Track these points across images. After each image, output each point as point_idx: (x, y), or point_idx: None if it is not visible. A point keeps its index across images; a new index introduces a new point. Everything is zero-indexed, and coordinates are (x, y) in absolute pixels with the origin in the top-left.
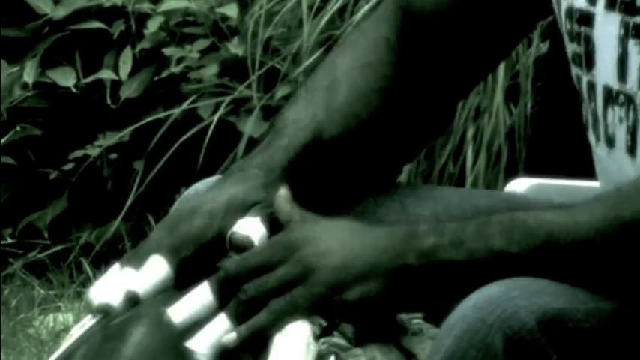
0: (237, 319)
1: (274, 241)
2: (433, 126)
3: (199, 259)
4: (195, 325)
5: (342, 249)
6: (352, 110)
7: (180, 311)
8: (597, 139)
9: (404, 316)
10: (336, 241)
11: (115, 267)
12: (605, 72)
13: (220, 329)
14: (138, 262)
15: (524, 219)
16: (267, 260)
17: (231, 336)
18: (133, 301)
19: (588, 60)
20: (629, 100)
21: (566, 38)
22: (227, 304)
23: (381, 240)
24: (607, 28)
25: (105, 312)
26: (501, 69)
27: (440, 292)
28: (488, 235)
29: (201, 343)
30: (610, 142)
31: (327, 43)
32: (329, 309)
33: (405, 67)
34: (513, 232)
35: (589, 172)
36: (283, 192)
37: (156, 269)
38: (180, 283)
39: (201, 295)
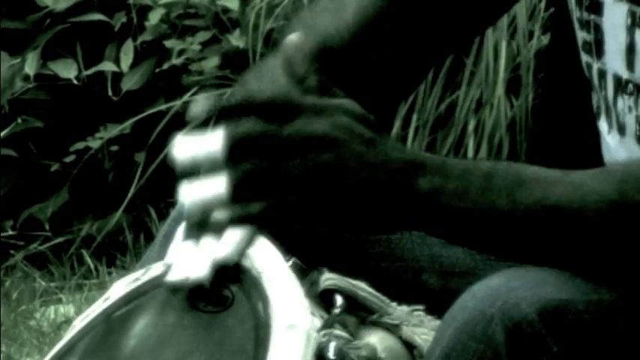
0: (234, 191)
1: (297, 128)
2: (435, 56)
3: None
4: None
5: (360, 167)
6: (360, 31)
7: (185, 146)
8: (610, 126)
9: (405, 308)
10: (355, 157)
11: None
12: (614, 61)
13: (215, 191)
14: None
15: (531, 187)
16: (287, 140)
17: (222, 214)
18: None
19: (598, 48)
20: (638, 89)
21: (576, 25)
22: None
23: (394, 167)
24: (615, 16)
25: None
26: (502, 61)
27: (441, 232)
28: (493, 192)
29: (191, 195)
30: (621, 130)
31: None
32: (323, 222)
33: None
34: (519, 197)
35: (591, 164)
36: (295, 37)
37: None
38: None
39: (211, 142)
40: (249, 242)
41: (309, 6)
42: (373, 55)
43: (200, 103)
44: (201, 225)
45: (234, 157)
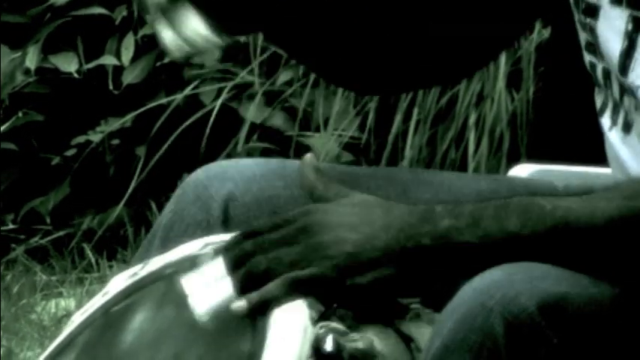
0: (243, 289)
1: (291, 224)
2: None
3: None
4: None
5: (357, 233)
6: None
7: (205, 307)
8: (613, 123)
9: (402, 301)
10: (349, 229)
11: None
12: (611, 63)
13: (224, 294)
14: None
15: (540, 204)
16: (280, 239)
17: (241, 304)
18: None
19: (598, 49)
20: (633, 93)
21: (578, 26)
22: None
23: (396, 221)
24: (612, 21)
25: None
26: (503, 55)
27: (453, 274)
28: (505, 218)
29: (202, 304)
30: (627, 127)
31: None
32: (338, 292)
33: None
34: (529, 216)
35: (591, 158)
36: (310, 157)
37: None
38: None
39: (215, 269)
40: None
41: None
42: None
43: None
44: None
45: (234, 268)
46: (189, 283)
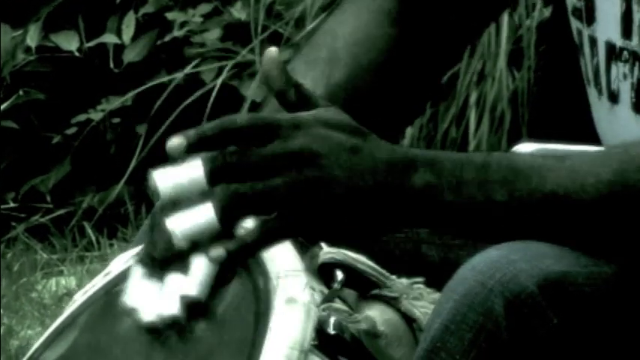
0: (225, 217)
1: (280, 146)
2: (429, 93)
3: None
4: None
5: (343, 177)
6: (352, 86)
7: (166, 177)
8: (599, 93)
9: (404, 281)
10: (338, 167)
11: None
12: (607, 28)
13: (203, 218)
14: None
15: (527, 175)
16: (269, 161)
17: (219, 250)
18: (191, 306)
19: (589, 15)
20: (635, 56)
21: None
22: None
23: (383, 166)
24: None
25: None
26: (504, 34)
27: (436, 227)
28: (488, 183)
29: (179, 224)
30: (614, 97)
31: (330, 7)
32: (322, 234)
33: (405, 40)
34: (515, 187)
35: (593, 137)
36: (273, 51)
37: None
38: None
39: (192, 170)
40: (214, 277)
41: (301, 54)
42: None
43: (177, 138)
44: (165, 261)
45: (217, 181)
46: (162, 183)
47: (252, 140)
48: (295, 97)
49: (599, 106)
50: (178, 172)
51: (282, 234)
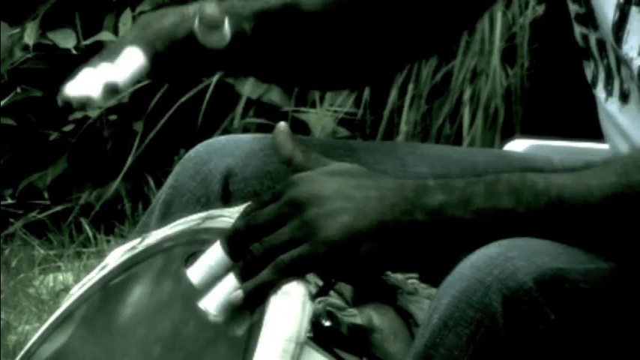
0: (244, 278)
1: (281, 198)
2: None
3: (171, 56)
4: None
5: (348, 207)
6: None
7: (197, 271)
8: (609, 94)
9: (399, 277)
10: (341, 199)
11: (87, 69)
12: (607, 34)
13: (229, 288)
14: (112, 56)
15: (534, 180)
16: (273, 218)
17: (238, 294)
18: (112, 92)
19: (593, 20)
20: (627, 64)
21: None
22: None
23: (389, 196)
24: None
25: (84, 105)
26: (498, 31)
27: (446, 248)
28: (497, 195)
29: (212, 302)
30: (624, 97)
31: None
32: (333, 268)
33: None
34: (522, 193)
35: (586, 132)
36: (283, 125)
37: (132, 59)
38: (154, 75)
39: (215, 253)
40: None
41: None
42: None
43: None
44: None
45: (236, 255)
46: (194, 276)
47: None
48: (303, 160)
49: (609, 106)
50: (204, 259)
51: (296, 272)
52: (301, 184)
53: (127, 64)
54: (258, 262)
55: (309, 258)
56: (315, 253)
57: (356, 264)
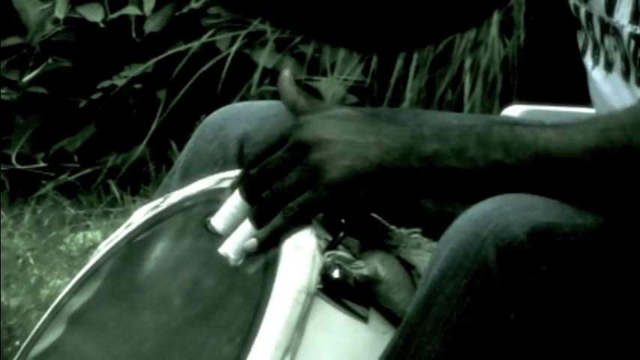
0: (258, 223)
1: (288, 143)
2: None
3: None
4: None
5: (350, 151)
6: None
7: (220, 219)
8: (595, 63)
9: (403, 231)
10: (343, 143)
11: None
12: (598, 4)
13: (246, 233)
14: None
15: (522, 133)
16: (281, 162)
17: (252, 241)
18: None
19: None
20: (617, 32)
21: None
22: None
23: (387, 142)
24: None
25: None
26: None
27: (441, 196)
28: (489, 146)
29: (230, 247)
30: (609, 66)
31: None
32: (335, 209)
33: None
34: (511, 145)
35: (578, 98)
36: (287, 73)
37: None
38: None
39: (235, 200)
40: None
41: None
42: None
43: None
44: None
45: (252, 200)
46: (218, 224)
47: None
48: (307, 105)
49: (594, 74)
50: (225, 208)
51: (305, 215)
52: (306, 127)
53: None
54: (270, 207)
55: (314, 201)
56: (319, 197)
57: (355, 206)
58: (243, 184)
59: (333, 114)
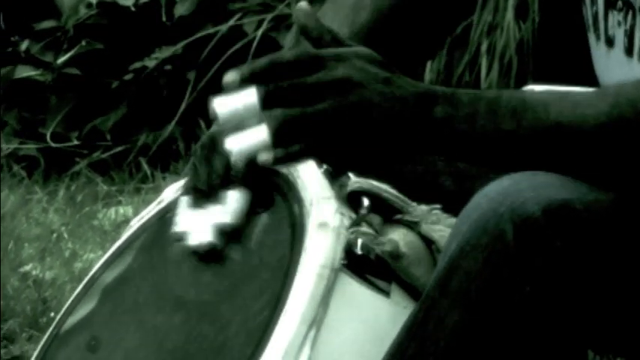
0: (277, 141)
1: (320, 75)
2: (444, 33)
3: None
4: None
5: (381, 99)
6: (374, 28)
7: (224, 106)
8: (597, 38)
9: (423, 208)
10: (375, 91)
11: (192, 210)
12: None
13: (259, 139)
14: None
15: (533, 106)
16: (314, 89)
17: (268, 155)
18: (224, 232)
19: None
20: (629, 5)
21: None
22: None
23: (409, 94)
24: None
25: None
26: None
27: (455, 158)
28: (498, 115)
29: (237, 145)
30: (610, 42)
31: None
32: (347, 136)
33: None
34: (523, 116)
35: (589, 80)
36: (303, 4)
37: (237, 199)
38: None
39: (248, 98)
40: (247, 206)
41: (329, 1)
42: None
43: (233, 72)
44: (206, 192)
45: (269, 106)
46: (220, 108)
47: (299, 72)
48: (330, 41)
49: (597, 50)
50: (235, 99)
51: (322, 152)
52: (342, 67)
53: (234, 205)
54: (294, 128)
55: (335, 138)
56: (338, 109)
57: (373, 154)
58: (266, 92)
59: (364, 55)
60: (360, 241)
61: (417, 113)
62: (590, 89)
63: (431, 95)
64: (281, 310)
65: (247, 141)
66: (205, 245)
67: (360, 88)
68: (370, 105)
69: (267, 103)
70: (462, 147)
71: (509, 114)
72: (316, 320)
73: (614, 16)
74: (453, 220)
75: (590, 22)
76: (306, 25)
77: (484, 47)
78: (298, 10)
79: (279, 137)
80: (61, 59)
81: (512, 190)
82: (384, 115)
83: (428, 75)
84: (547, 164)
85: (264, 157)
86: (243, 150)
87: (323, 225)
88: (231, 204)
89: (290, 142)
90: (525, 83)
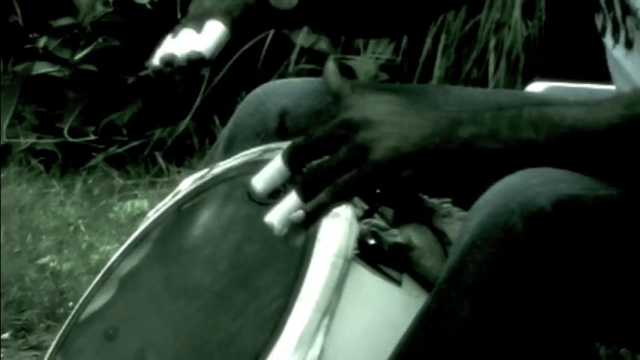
0: (304, 196)
1: (336, 120)
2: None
3: (247, 22)
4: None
5: (395, 132)
6: None
7: (260, 180)
8: (616, 42)
9: (435, 201)
10: (389, 125)
11: (169, 36)
12: None
13: (291, 205)
14: (196, 25)
15: (549, 114)
16: (328, 135)
17: (299, 213)
18: (199, 62)
19: None
20: (634, 15)
21: None
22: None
23: (429, 125)
24: None
25: (169, 63)
26: None
27: (476, 175)
28: (520, 127)
29: (275, 217)
30: (629, 44)
31: None
32: (379, 188)
33: None
34: (541, 125)
35: (596, 76)
36: (331, 64)
37: (214, 31)
38: (234, 43)
39: (276, 164)
40: (221, 36)
41: None
42: None
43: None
44: None
45: (295, 167)
46: (258, 183)
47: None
48: (350, 89)
49: (615, 53)
50: (266, 170)
51: (350, 193)
52: (354, 107)
53: (210, 36)
54: (317, 181)
55: (360, 179)
56: (365, 175)
57: (397, 185)
58: (288, 151)
59: (378, 97)
60: (372, 232)
61: (438, 138)
62: (599, 87)
63: (453, 118)
64: (295, 298)
65: (282, 210)
66: (152, 69)
67: (372, 124)
68: (384, 136)
69: (293, 163)
70: (486, 165)
71: (527, 125)
72: (330, 308)
73: (632, 20)
74: (464, 214)
75: (609, 26)
76: (338, 87)
77: (492, 44)
78: (327, 68)
79: (306, 193)
80: (78, 56)
81: (523, 185)
82: (400, 143)
83: (437, 72)
84: (564, 166)
85: (297, 217)
86: (282, 221)
87: (336, 215)
88: (209, 36)
89: (316, 192)
90: (532, 80)
